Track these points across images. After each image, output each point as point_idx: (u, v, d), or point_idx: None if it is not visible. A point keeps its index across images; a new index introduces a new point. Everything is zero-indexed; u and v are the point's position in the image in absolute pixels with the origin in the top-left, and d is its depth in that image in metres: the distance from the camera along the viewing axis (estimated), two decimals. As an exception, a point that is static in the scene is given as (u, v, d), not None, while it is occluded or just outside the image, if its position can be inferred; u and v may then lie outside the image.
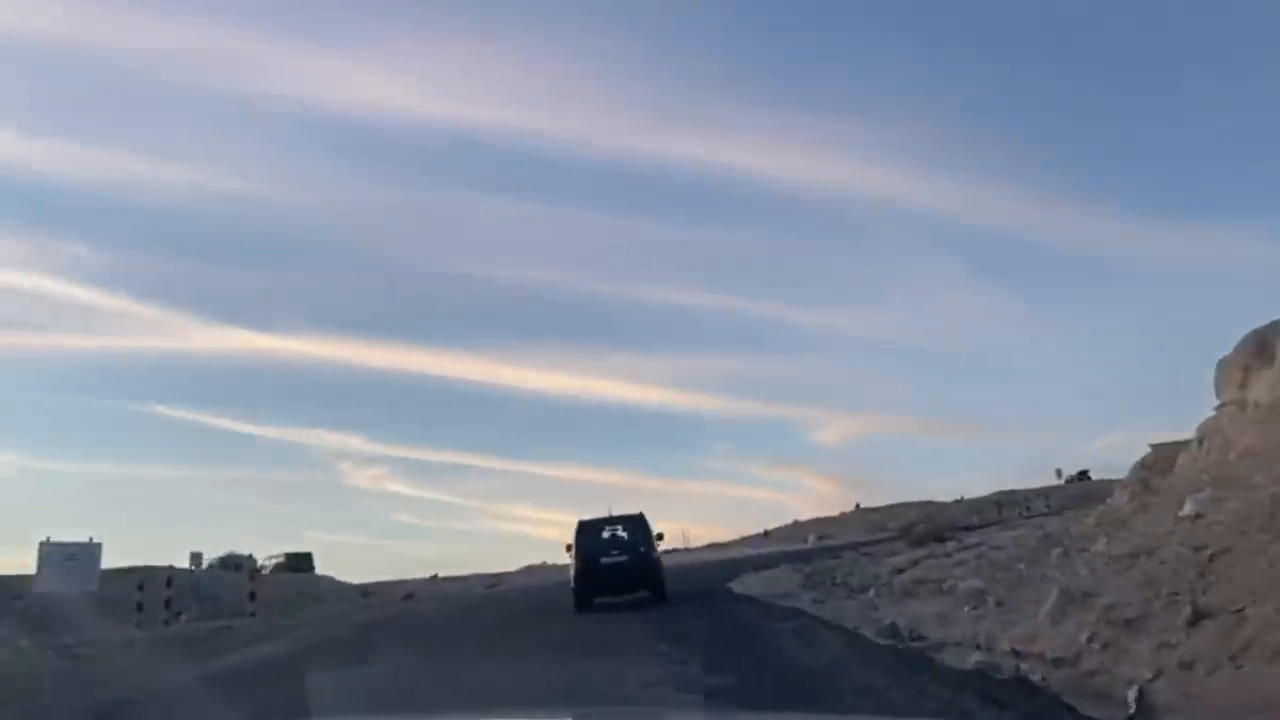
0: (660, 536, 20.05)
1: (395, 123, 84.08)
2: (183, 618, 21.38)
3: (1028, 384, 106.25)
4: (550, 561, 59.98)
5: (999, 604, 11.69)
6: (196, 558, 22.10)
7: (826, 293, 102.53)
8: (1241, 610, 7.26)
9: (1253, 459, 12.36)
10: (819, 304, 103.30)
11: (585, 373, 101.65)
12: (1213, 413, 15.53)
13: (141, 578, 21.44)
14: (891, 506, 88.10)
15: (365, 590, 38.62)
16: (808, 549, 51.13)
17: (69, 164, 76.32)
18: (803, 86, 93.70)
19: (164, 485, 77.24)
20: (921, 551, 30.48)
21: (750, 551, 47.96)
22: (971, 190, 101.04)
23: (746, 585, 21.82)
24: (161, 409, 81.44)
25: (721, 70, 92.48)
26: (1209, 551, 9.16)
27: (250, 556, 44.10)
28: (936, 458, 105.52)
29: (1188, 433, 16.03)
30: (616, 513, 18.69)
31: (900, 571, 25.35)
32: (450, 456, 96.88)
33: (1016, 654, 8.48)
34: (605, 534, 17.90)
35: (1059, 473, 79.70)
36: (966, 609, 12.33)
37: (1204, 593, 8.17)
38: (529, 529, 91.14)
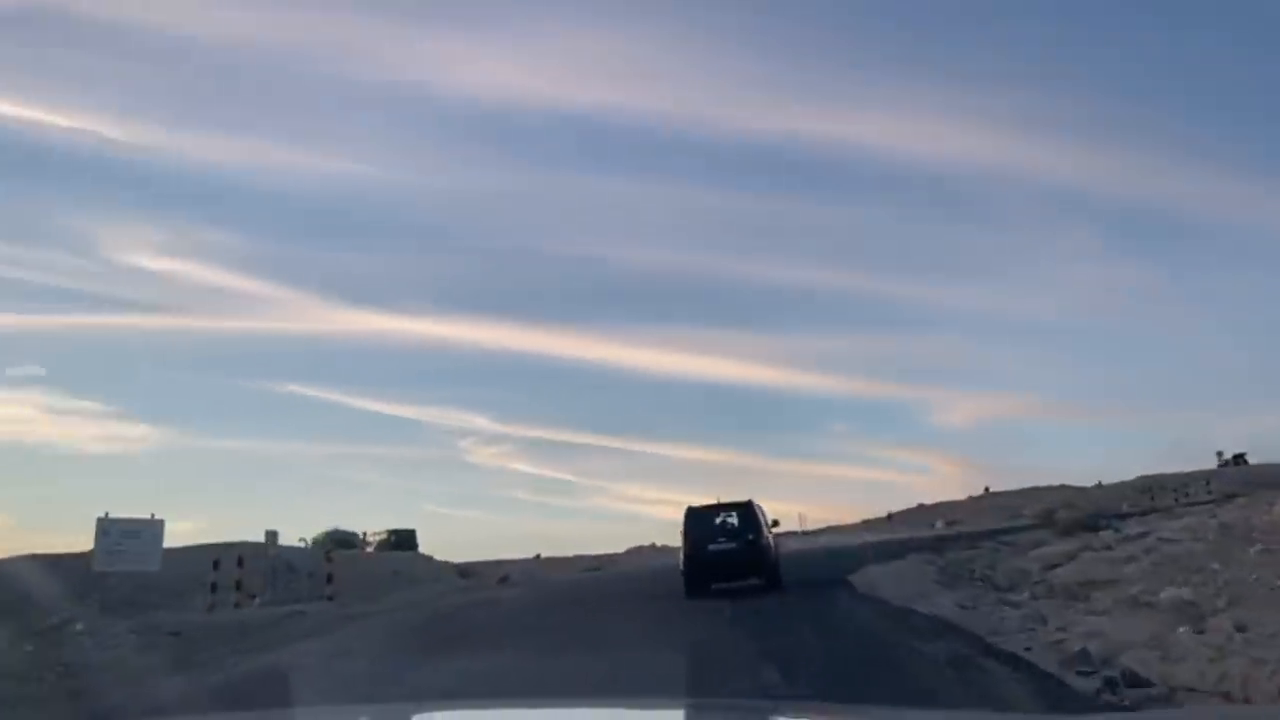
0: (775, 523, 20.15)
1: (519, 106, 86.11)
2: (256, 600, 19.99)
3: (1169, 363, 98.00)
4: (660, 544, 57.93)
5: (1239, 628, 8.46)
6: (272, 536, 20.57)
7: (951, 269, 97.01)
8: None
9: None
10: (943, 281, 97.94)
11: (704, 352, 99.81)
12: None
13: (219, 555, 20.10)
14: (1023, 491, 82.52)
15: (464, 570, 37.29)
16: (936, 536, 47.28)
17: (208, 153, 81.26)
18: (925, 54, 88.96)
19: (292, 461, 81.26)
20: (1072, 542, 26.74)
21: (872, 537, 44.47)
22: (1106, 159, 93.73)
23: (872, 580, 18.83)
24: (293, 388, 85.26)
25: (840, 41, 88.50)
26: None
27: (356, 534, 43.60)
28: (1068, 440, 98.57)
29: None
30: (728, 498, 18.51)
31: (1053, 567, 21.87)
32: (569, 435, 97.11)
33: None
34: (714, 521, 17.66)
35: (1219, 455, 72.22)
36: (1182, 630, 9.17)
37: None
38: (643, 508, 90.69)
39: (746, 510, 17.87)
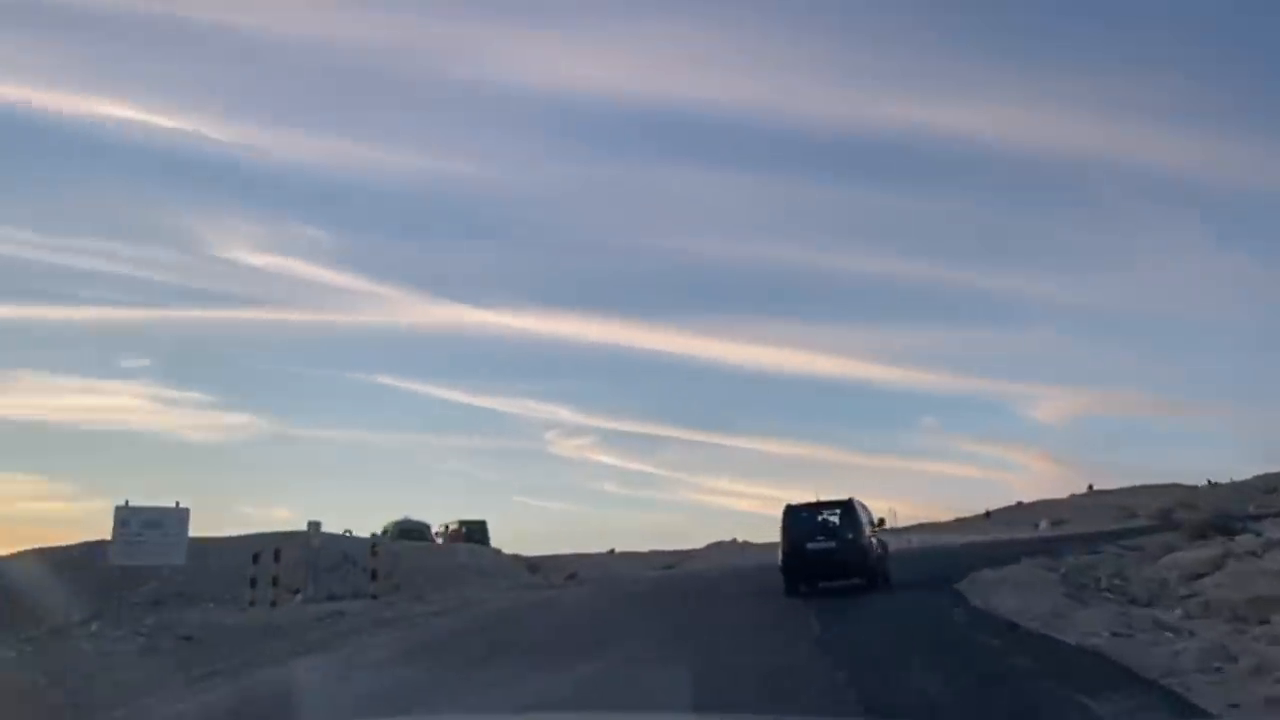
0: (880, 522, 19.92)
1: (604, 101, 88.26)
2: (298, 597, 18.46)
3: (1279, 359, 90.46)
4: (743, 539, 55.46)
5: None
6: (314, 526, 18.98)
7: (1047, 260, 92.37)
8: None
9: None
10: (1037, 272, 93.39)
11: (790, 345, 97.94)
12: None
13: (260, 547, 18.64)
14: (1131, 490, 77.65)
15: (534, 564, 35.65)
16: (1044, 537, 43.78)
17: (305, 152, 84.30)
18: (1019, 38, 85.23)
19: (383, 451, 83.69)
20: (1210, 548, 23.46)
21: (974, 536, 41.18)
22: (1215, 146, 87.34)
23: (987, 590, 16.22)
24: (384, 379, 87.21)
25: (930, 25, 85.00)
26: None
27: (426, 524, 42.33)
28: (1171, 438, 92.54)
29: None
30: (814, 493, 18.41)
31: (1197, 577, 18.87)
32: (652, 428, 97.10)
33: None
34: (812, 519, 17.39)
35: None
36: None
37: None
38: (726, 502, 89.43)
39: (847, 509, 17.54)
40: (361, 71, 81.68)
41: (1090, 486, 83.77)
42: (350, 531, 40.74)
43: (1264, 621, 12.01)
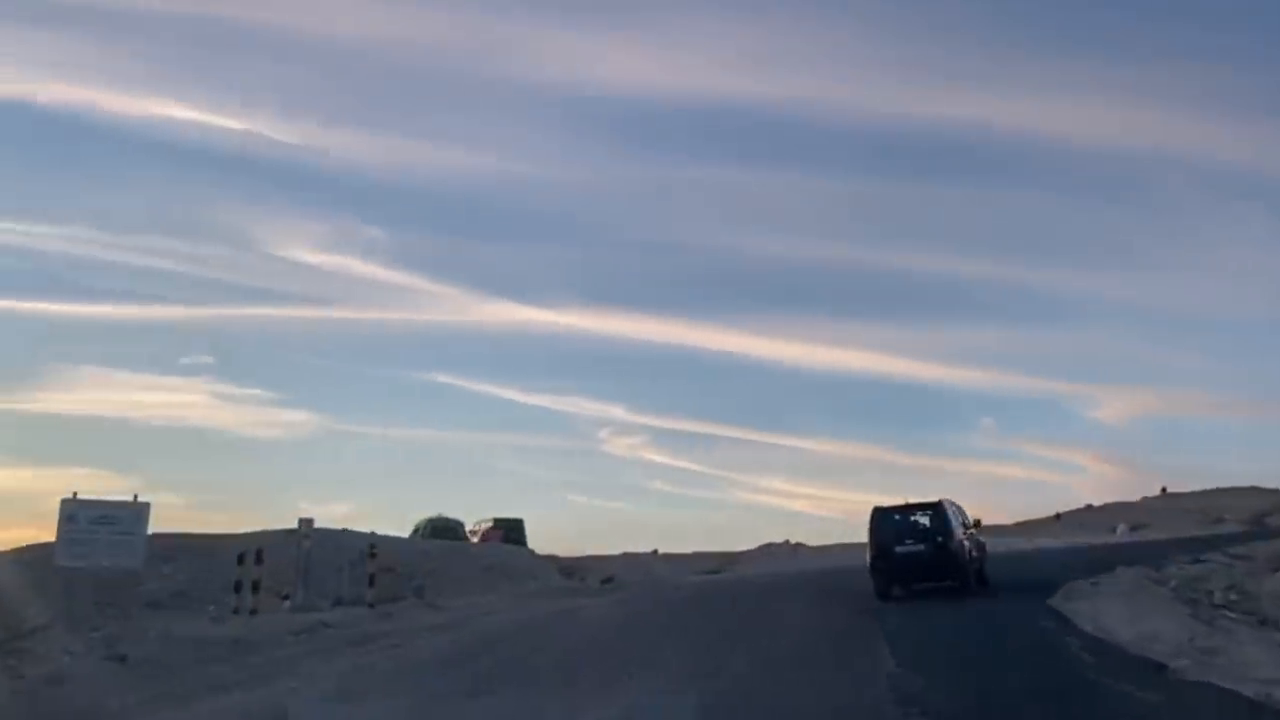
0: (976, 524, 19.78)
1: (658, 98, 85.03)
2: (287, 603, 16.34)
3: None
4: (795, 540, 52.49)
5: None
6: (305, 524, 16.81)
7: (1108, 257, 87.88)
8: None
9: None
10: (1098, 270, 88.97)
11: (845, 344, 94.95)
12: None
13: (245, 547, 16.55)
14: (1205, 492, 72.92)
15: (569, 566, 33.33)
16: (1126, 543, 40.29)
17: (363, 152, 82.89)
18: (1078, 29, 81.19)
19: (439, 448, 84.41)
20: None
21: (1046, 541, 37.85)
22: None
23: (1093, 609, 13.43)
24: (440, 377, 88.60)
25: (987, 21, 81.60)
26: None
27: (460, 522, 40.24)
28: (1240, 439, 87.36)
29: None
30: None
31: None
32: (705, 427, 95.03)
33: None
34: (901, 521, 17.12)
35: None
36: None
37: None
38: (780, 501, 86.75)
39: (937, 510, 17.17)
40: (418, 71, 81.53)
41: (1163, 489, 79.58)
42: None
43: None
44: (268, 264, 79.36)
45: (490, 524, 41.24)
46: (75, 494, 13.41)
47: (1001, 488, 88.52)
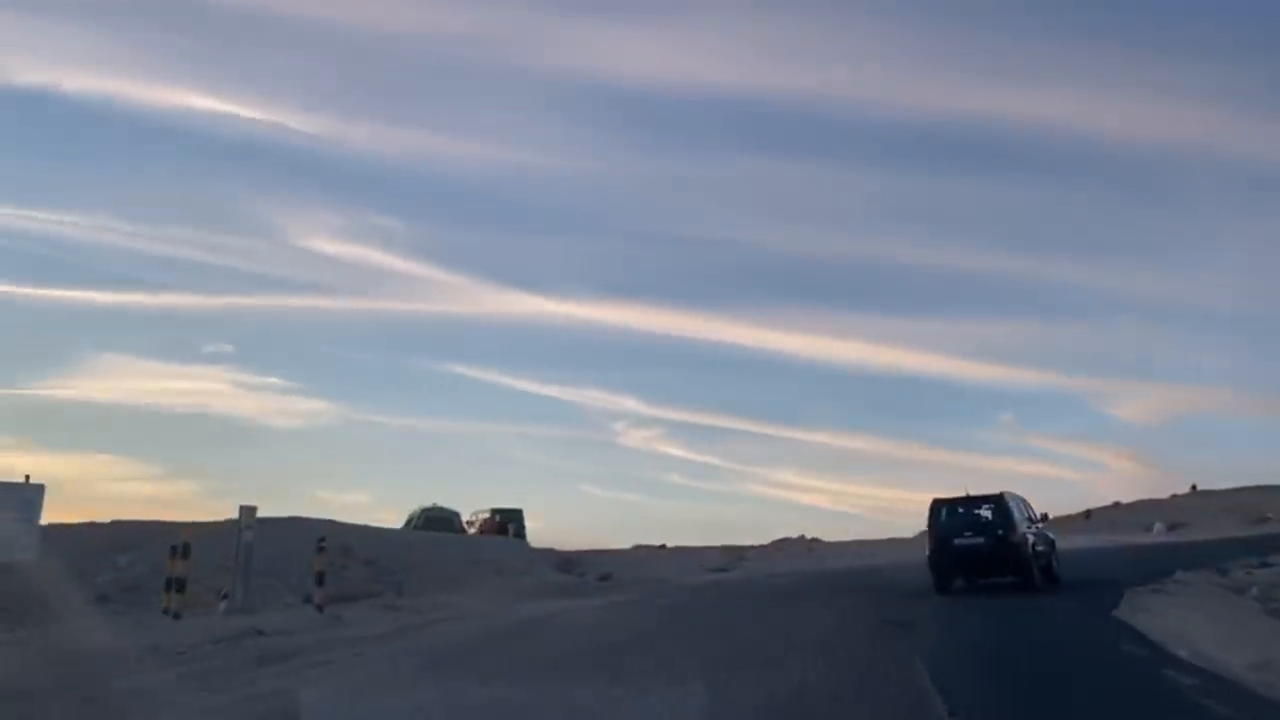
0: (1044, 517, 19.50)
1: (675, 89, 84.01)
2: (223, 604, 14.14)
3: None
4: (811, 535, 50.17)
5: None
6: (248, 512, 14.60)
7: (1132, 253, 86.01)
8: None
9: None
10: (1121, 266, 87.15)
11: (862, 338, 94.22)
12: None
13: (186, 538, 14.39)
14: (1237, 490, 69.98)
15: (570, 559, 31.08)
16: (1165, 543, 37.78)
17: (382, 143, 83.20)
18: (1108, 28, 78.32)
19: (454, 438, 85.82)
20: None
21: (1079, 541, 35.30)
22: None
23: (1165, 624, 11.06)
24: (456, 368, 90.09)
25: (1014, 13, 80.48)
26: None
27: (455, 512, 38.06)
28: (1265, 437, 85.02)
29: None
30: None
31: None
32: (721, 420, 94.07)
33: None
34: (961, 514, 16.91)
35: None
36: None
37: None
38: (795, 495, 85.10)
39: (998, 504, 16.76)
40: (438, 63, 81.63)
41: (1194, 487, 76.87)
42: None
43: None
44: (287, 254, 79.73)
45: (488, 515, 39.17)
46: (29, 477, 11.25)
47: (1023, 484, 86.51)
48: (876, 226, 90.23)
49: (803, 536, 49.21)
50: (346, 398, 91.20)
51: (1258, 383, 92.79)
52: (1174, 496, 74.71)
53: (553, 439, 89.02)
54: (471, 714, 7.29)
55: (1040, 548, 17.69)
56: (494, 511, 38.65)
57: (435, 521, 35.99)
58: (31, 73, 69.84)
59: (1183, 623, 11.30)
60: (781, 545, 45.24)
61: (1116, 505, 71.58)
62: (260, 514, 29.10)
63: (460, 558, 27.15)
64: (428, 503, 37.76)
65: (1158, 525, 47.45)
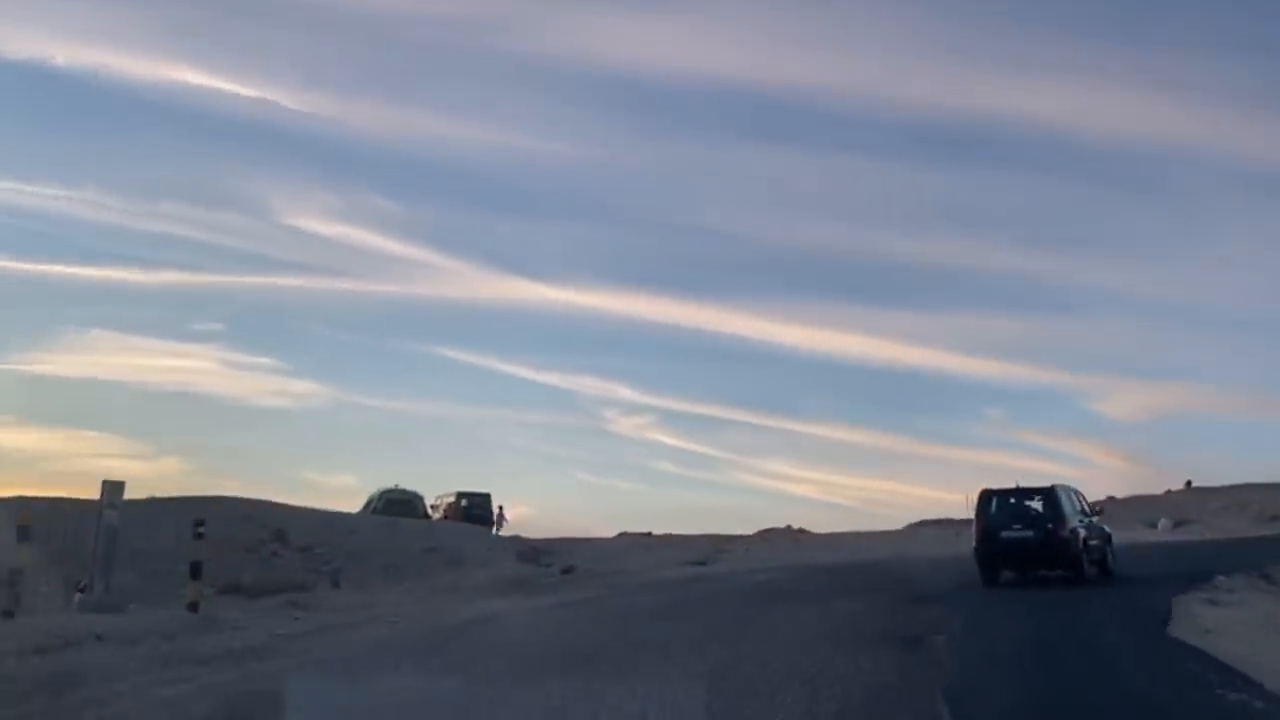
0: (1098, 511, 19.65)
1: (677, 77, 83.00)
2: (77, 597, 11.59)
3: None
4: (799, 526, 47.89)
5: None
6: (113, 489, 11.95)
7: (1125, 250, 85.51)
8: None
9: None
10: (1115, 262, 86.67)
11: (854, 330, 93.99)
12: None
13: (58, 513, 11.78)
14: (1234, 488, 68.44)
15: (538, 548, 28.65)
16: (1175, 541, 35.73)
17: (378, 124, 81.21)
18: (1102, 25, 76.61)
19: (444, 422, 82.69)
20: None
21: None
22: None
23: (1244, 650, 8.67)
24: (448, 352, 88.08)
25: (1012, 9, 78.88)
26: None
27: (419, 495, 35.33)
28: (1251, 434, 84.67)
29: None
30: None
31: None
32: (713, 410, 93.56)
33: None
34: (1010, 506, 16.61)
35: None
36: None
37: None
38: (785, 486, 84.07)
39: (1049, 495, 16.54)
40: (435, 43, 79.70)
41: (1189, 483, 75.55)
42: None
43: None
44: (279, 233, 78.44)
45: (453, 499, 36.63)
46: None
47: (1012, 478, 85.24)
48: (873, 219, 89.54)
49: (789, 527, 46.79)
50: (337, 380, 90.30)
51: (1247, 380, 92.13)
52: (1169, 492, 73.08)
53: (544, 425, 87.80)
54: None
55: (1093, 541, 17.14)
56: (459, 495, 36.13)
57: (396, 505, 33.36)
58: (24, 46, 69.44)
59: (1228, 632, 8.92)
60: (768, 536, 42.81)
61: (1111, 500, 69.80)
62: (205, 493, 26.66)
63: (413, 546, 24.65)
64: (389, 484, 35.22)
65: (1163, 522, 45.40)
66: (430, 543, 24.66)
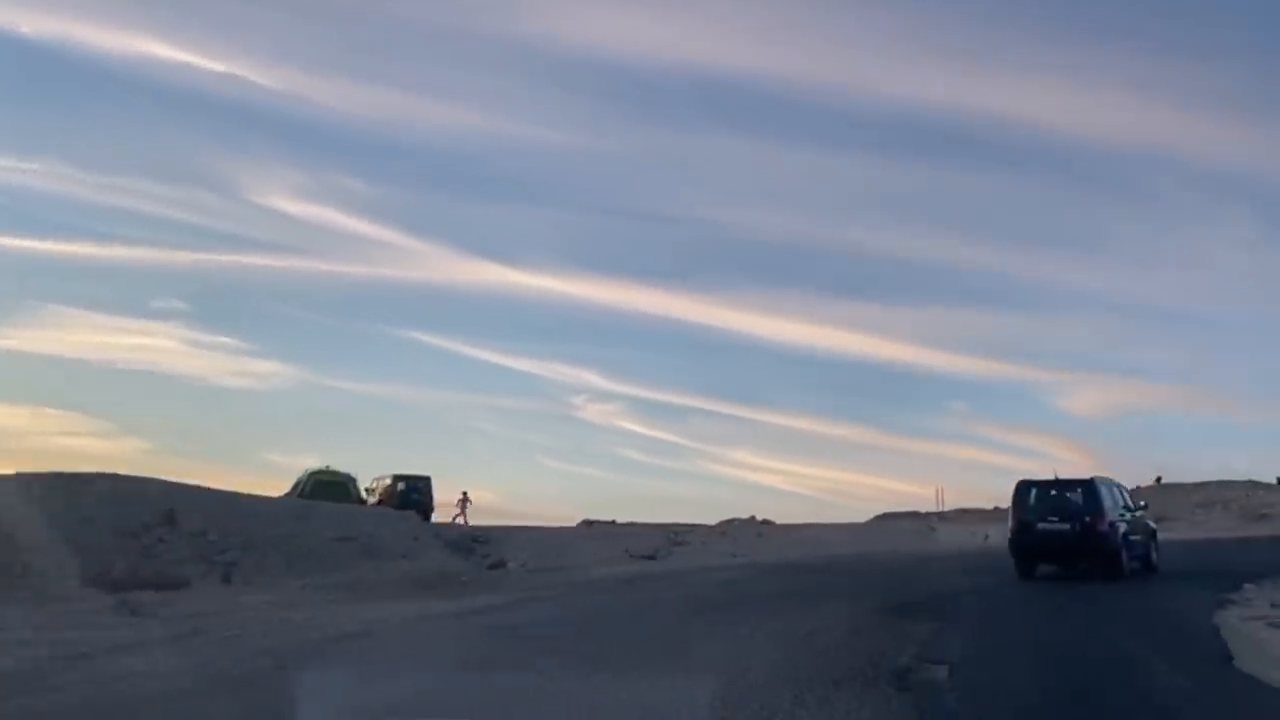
0: (1142, 506, 18.52)
1: (651, 63, 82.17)
2: None
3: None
4: (762, 516, 45.66)
5: None
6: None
7: (1090, 248, 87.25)
8: None
9: None
10: (1079, 261, 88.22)
11: (823, 322, 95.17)
12: None
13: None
14: (1203, 485, 67.85)
15: (474, 538, 25.91)
16: (1168, 540, 33.60)
17: (348, 103, 79.38)
18: (1082, 25, 76.16)
19: (410, 405, 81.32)
20: None
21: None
22: (1269, 141, 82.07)
23: None
24: (416, 334, 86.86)
25: (994, 6, 78.19)
26: None
27: (352, 477, 32.28)
28: (1213, 434, 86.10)
29: None
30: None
31: None
32: (681, 398, 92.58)
33: None
34: (1047, 497, 16.25)
35: None
36: None
37: None
38: (750, 475, 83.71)
39: (1088, 488, 15.98)
40: (409, 22, 77.98)
41: (1158, 479, 75.02)
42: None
43: None
44: (245, 211, 76.74)
45: (389, 482, 33.70)
46: None
47: (975, 471, 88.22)
48: (844, 212, 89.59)
49: (753, 517, 44.48)
50: (302, 361, 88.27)
51: (1212, 380, 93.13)
52: (1138, 488, 72.32)
53: (511, 410, 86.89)
54: None
55: (1134, 536, 16.71)
56: (395, 479, 33.22)
57: (325, 487, 30.25)
58: (-9, 12, 64.67)
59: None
60: (729, 527, 40.38)
61: (1084, 495, 68.66)
62: (127, 471, 23.59)
63: (329, 534, 21.75)
64: (318, 464, 32.15)
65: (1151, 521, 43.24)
66: (345, 531, 21.77)
